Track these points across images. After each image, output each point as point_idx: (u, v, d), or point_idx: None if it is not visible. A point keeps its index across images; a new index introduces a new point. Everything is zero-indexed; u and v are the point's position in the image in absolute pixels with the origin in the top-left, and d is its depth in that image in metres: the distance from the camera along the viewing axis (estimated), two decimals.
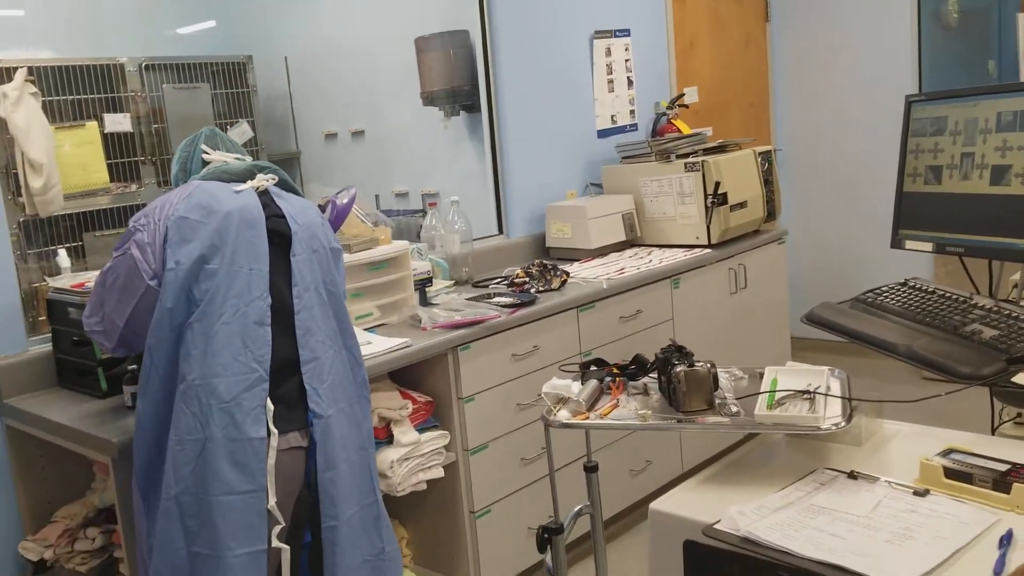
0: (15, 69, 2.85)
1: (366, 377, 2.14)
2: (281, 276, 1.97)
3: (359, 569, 1.99)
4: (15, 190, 2.83)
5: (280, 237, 2.00)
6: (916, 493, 1.52)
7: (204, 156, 2.12)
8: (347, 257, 2.74)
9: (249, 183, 2.03)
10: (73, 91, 3.24)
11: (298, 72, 4.68)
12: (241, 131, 3.98)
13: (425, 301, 3.01)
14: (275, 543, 1.86)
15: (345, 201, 2.77)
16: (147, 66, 3.60)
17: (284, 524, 1.88)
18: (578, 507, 1.96)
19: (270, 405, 1.87)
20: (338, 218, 2.74)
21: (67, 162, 2.92)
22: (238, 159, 2.14)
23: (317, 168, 4.75)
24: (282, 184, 2.12)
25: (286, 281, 1.97)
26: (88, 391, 2.40)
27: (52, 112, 3.07)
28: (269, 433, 1.86)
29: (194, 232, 1.89)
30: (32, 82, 2.85)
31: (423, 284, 3.04)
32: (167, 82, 3.69)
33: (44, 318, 2.59)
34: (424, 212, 3.62)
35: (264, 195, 2.03)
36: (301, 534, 1.99)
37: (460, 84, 3.89)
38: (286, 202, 2.07)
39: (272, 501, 1.85)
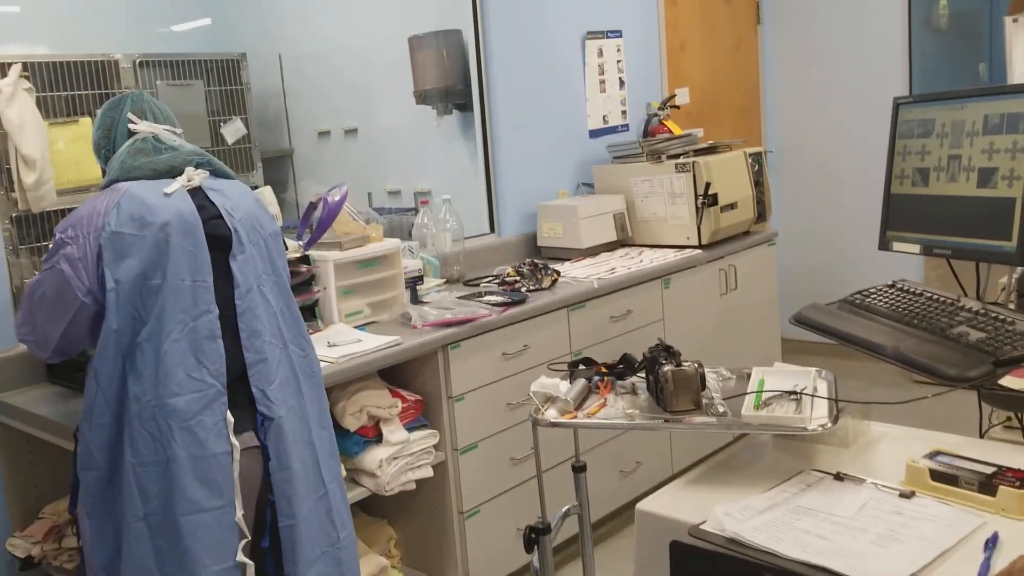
0: (10, 65, 2.85)
1: (312, 357, 2.08)
2: (223, 280, 1.91)
3: (317, 562, 1.96)
4: (8, 186, 2.82)
5: (219, 240, 1.92)
6: (902, 495, 1.53)
7: (130, 126, 2.02)
8: (338, 254, 2.75)
9: (179, 181, 1.93)
10: (67, 87, 3.23)
11: (292, 70, 4.68)
12: (234, 128, 3.98)
13: (416, 299, 3.02)
14: (240, 557, 1.83)
15: (337, 199, 2.77)
16: (141, 62, 3.59)
17: (249, 538, 1.86)
18: (566, 507, 1.97)
19: (230, 417, 1.85)
20: (330, 215, 2.74)
21: (60, 158, 2.92)
22: (169, 131, 2.05)
23: (310, 166, 4.75)
24: (214, 170, 2.03)
25: (228, 284, 1.91)
26: (77, 387, 2.39)
27: (46, 108, 3.06)
28: (231, 446, 1.84)
29: (130, 248, 1.82)
30: (27, 78, 2.85)
31: (414, 282, 3.05)
32: (161, 79, 3.69)
33: None
34: (416, 210, 3.62)
35: (197, 192, 1.94)
36: (261, 538, 1.94)
37: (453, 83, 3.90)
38: (220, 194, 1.98)
39: (239, 513, 1.84)
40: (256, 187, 3.66)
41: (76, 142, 3.01)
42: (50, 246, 1.90)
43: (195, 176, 1.95)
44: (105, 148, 2.05)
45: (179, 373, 1.81)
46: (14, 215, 2.84)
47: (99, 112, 2.09)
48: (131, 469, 1.80)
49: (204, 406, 1.82)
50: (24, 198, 2.80)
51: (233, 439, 1.84)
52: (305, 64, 4.65)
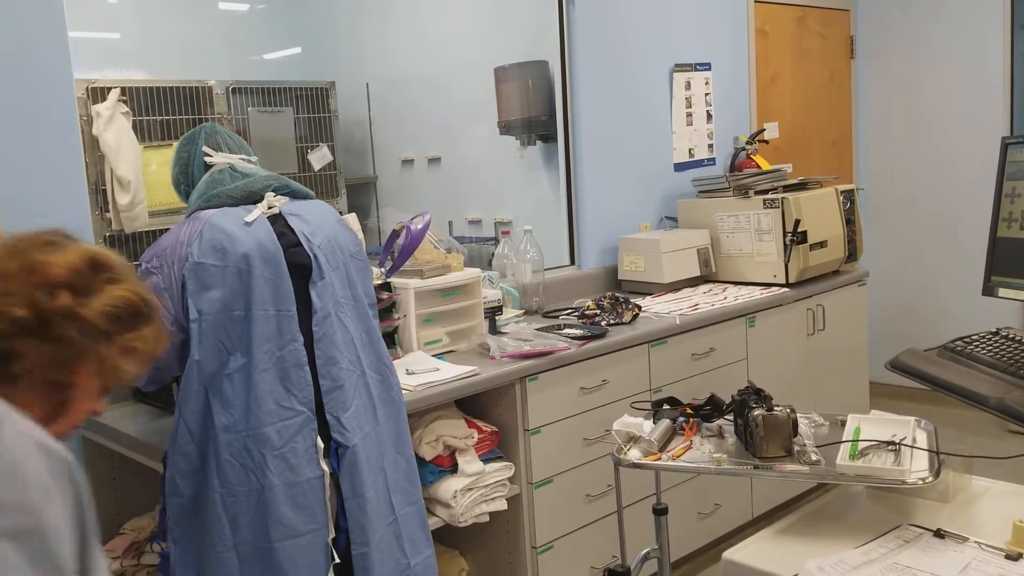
0: (109, 89, 2.95)
1: (393, 383, 2.07)
2: (302, 307, 1.91)
3: None
4: (103, 206, 2.91)
5: (300, 268, 1.92)
6: (1008, 556, 1.44)
7: (207, 159, 2.04)
8: (419, 282, 2.75)
9: (259, 208, 1.94)
10: (162, 112, 3.33)
11: (378, 98, 4.76)
12: (321, 155, 4.05)
13: (494, 329, 3.00)
14: None
15: (420, 227, 2.78)
16: (234, 89, 3.69)
17: (338, 560, 1.87)
18: (645, 550, 1.90)
19: (320, 443, 1.86)
20: (412, 243, 2.75)
21: (153, 180, 3.00)
22: (244, 159, 2.06)
23: (393, 193, 4.80)
24: (293, 192, 2.03)
25: (307, 311, 1.91)
26: (162, 406, 2.44)
27: (141, 131, 3.15)
28: (322, 471, 1.86)
29: (213, 279, 1.83)
30: (124, 102, 2.95)
31: (493, 312, 3.03)
32: (252, 105, 3.78)
33: None
34: (496, 240, 3.62)
35: (277, 219, 1.94)
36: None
37: (537, 114, 3.90)
38: (300, 219, 1.97)
39: (331, 535, 1.85)
40: (340, 213, 3.72)
41: (168, 165, 3.10)
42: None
43: (275, 203, 1.96)
44: (184, 183, 2.08)
45: (269, 402, 1.82)
46: (107, 234, 2.92)
47: (175, 147, 2.12)
48: (219, 499, 1.81)
49: (295, 432, 1.83)
50: (118, 218, 2.89)
51: (323, 464, 1.86)
52: (390, 93, 4.72)
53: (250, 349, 1.83)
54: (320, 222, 2.00)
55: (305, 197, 2.05)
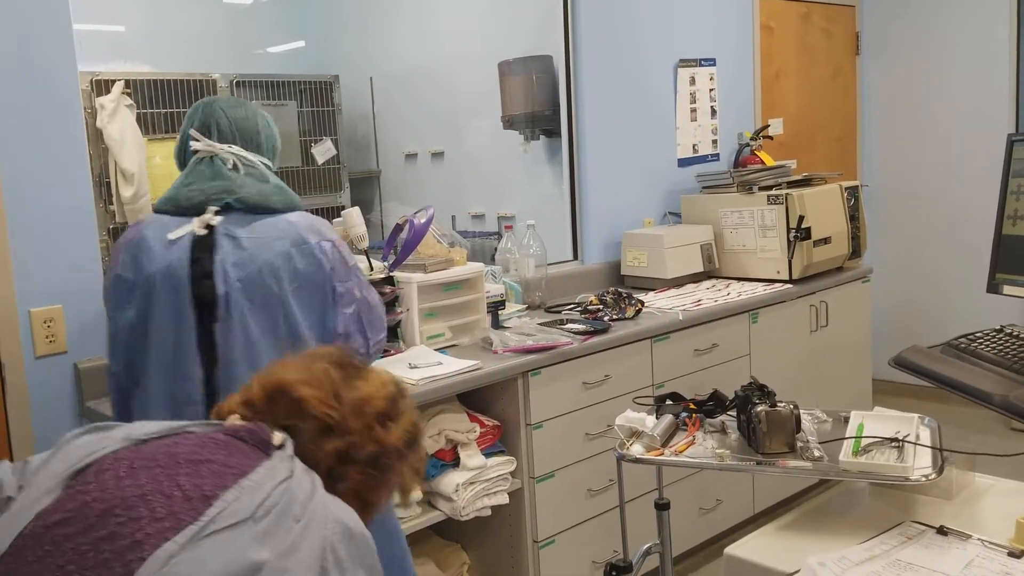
0: (113, 82, 2.95)
1: None
2: (209, 346, 1.75)
3: None
4: (107, 198, 2.91)
5: (205, 303, 1.74)
6: (1011, 554, 1.44)
7: (192, 143, 1.85)
8: (422, 276, 2.74)
9: (189, 225, 1.76)
10: (166, 104, 3.33)
11: (382, 93, 4.75)
12: (324, 149, 4.04)
13: (497, 324, 3.00)
14: None
15: (423, 221, 2.78)
16: (238, 82, 3.68)
17: None
18: (647, 545, 1.90)
19: None
20: (415, 237, 2.75)
21: (157, 173, 3.00)
22: (233, 152, 1.85)
23: (396, 187, 4.80)
24: (250, 206, 1.80)
25: (213, 353, 1.75)
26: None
27: (145, 124, 3.15)
28: None
29: (125, 296, 1.77)
30: (128, 95, 2.94)
31: (496, 307, 3.02)
32: (256, 98, 3.77)
33: None
34: (499, 235, 3.61)
35: (207, 240, 1.76)
36: None
37: (541, 109, 3.89)
38: (233, 244, 1.76)
39: None
40: (343, 207, 3.72)
41: (172, 158, 3.09)
42: None
43: (212, 221, 1.77)
44: (179, 160, 1.93)
45: None
46: (111, 227, 2.92)
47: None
48: None
49: None
50: (121, 211, 2.88)
51: None
52: (394, 87, 4.71)
53: (148, 381, 1.76)
54: (257, 250, 1.77)
55: (267, 212, 1.82)
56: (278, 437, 1.08)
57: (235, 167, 1.85)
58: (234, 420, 1.12)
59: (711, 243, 3.75)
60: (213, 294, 1.74)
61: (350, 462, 1.11)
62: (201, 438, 1.05)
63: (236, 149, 1.87)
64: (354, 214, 2.60)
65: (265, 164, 1.93)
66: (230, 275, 1.74)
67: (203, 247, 1.76)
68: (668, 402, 1.88)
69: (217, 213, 1.79)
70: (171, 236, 1.75)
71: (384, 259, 2.78)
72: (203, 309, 1.75)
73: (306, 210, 1.93)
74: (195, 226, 1.76)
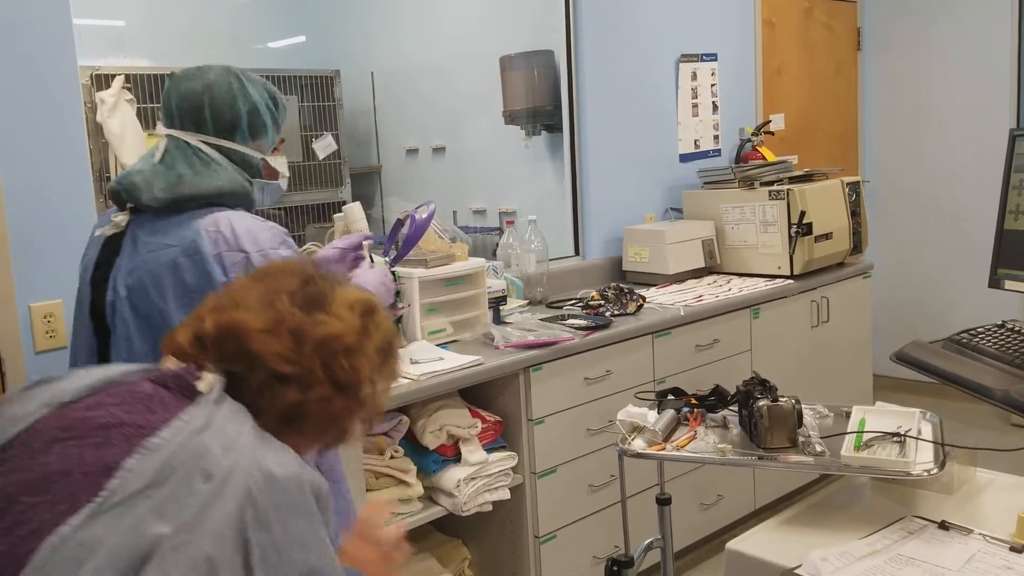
0: (113, 76, 2.94)
1: None
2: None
3: None
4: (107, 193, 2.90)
5: (96, 311, 1.62)
6: (1013, 549, 1.44)
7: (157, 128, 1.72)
8: (423, 272, 2.74)
9: (110, 223, 1.64)
10: None
11: (382, 88, 4.74)
12: (325, 144, 4.04)
13: (498, 319, 2.99)
14: None
15: (424, 216, 2.77)
16: None
17: None
18: (648, 540, 1.90)
19: None
20: (416, 233, 2.74)
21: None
22: (170, 133, 1.68)
23: (397, 183, 4.79)
24: (172, 202, 1.59)
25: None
26: None
27: (145, 118, 3.15)
28: None
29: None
30: (128, 89, 2.94)
31: (497, 302, 3.02)
32: None
33: None
34: (501, 230, 3.61)
35: (115, 239, 1.63)
36: None
37: (542, 104, 3.88)
38: (136, 246, 1.60)
39: None
40: (344, 203, 3.71)
41: None
42: None
43: (119, 219, 1.63)
44: None
45: None
46: None
47: None
48: None
49: None
50: None
51: None
52: (395, 82, 4.70)
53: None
54: (148, 256, 1.57)
55: (176, 211, 1.59)
56: (205, 382, 0.99)
57: (162, 157, 1.66)
58: (169, 362, 1.04)
59: (712, 239, 3.75)
60: (101, 303, 1.62)
61: (305, 412, 1.03)
62: (124, 393, 0.98)
63: (177, 132, 1.69)
64: (355, 209, 2.59)
65: (214, 145, 1.69)
66: (119, 284, 1.59)
67: (112, 249, 1.63)
68: (670, 397, 1.88)
69: (133, 210, 1.64)
70: (96, 232, 1.67)
71: (385, 254, 2.77)
72: (98, 319, 1.63)
73: (270, 207, 1.78)
74: (116, 223, 1.63)
